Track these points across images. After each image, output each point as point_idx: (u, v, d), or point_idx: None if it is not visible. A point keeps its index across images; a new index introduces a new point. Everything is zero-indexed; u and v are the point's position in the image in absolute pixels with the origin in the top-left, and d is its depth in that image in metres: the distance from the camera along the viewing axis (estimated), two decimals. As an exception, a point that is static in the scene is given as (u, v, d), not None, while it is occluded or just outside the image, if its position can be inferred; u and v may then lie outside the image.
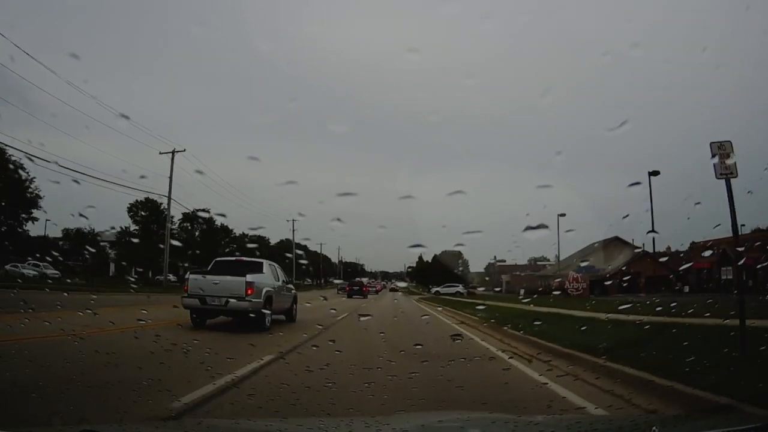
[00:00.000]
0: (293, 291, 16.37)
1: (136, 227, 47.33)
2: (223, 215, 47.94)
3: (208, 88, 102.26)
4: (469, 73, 41.64)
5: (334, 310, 17.75)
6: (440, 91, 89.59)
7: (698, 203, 5.62)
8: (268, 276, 14.23)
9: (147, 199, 45.64)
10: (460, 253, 62.88)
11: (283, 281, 15.33)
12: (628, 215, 5.93)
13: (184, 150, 39.93)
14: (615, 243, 45.11)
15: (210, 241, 48.94)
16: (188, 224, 51.98)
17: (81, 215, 8.94)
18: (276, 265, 15.34)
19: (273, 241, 70.44)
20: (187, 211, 48.73)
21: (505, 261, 67.33)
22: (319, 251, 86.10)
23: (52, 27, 70.18)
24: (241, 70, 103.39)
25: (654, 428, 2.46)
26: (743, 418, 3.00)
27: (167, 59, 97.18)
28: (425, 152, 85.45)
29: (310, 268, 77.59)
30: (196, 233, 52.18)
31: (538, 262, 73.47)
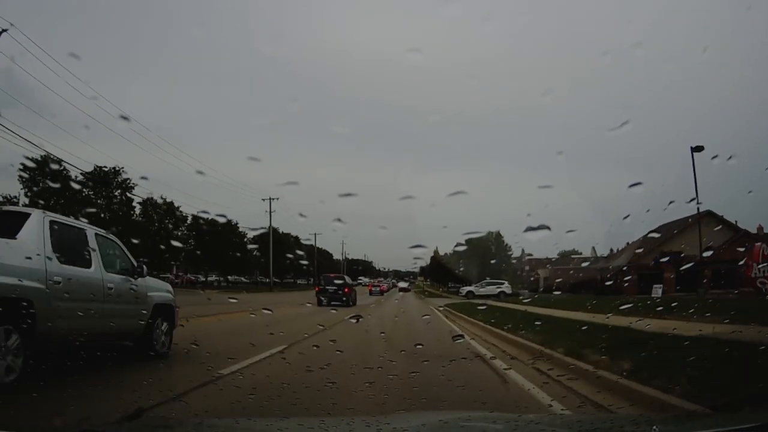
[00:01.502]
0: (159, 294, 8.46)
1: (27, 193, 33.24)
2: (223, 216, 46.88)
3: (207, 88, 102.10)
4: (470, 74, 41.89)
5: (335, 310, 17.72)
6: (441, 91, 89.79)
7: (700, 203, 5.63)
8: (30, 244, 5.97)
9: (45, 157, 31.49)
10: (497, 237, 50.99)
11: (120, 271, 7.60)
12: (629, 215, 5.92)
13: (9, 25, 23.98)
14: (707, 220, 31.45)
15: (126, 222, 35.12)
16: (89, 191, 37.35)
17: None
18: (96, 231, 7.40)
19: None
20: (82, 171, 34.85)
21: (532, 254, 55.99)
22: (320, 247, 75.61)
23: (51, 27, 70.24)
24: (241, 71, 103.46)
25: (655, 427, 2.45)
26: (744, 417, 3.00)
27: (168, 60, 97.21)
28: (426, 152, 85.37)
29: (311, 268, 72.32)
30: (99, 200, 37.41)
31: (572, 256, 62.61)
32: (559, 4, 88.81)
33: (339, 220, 5.80)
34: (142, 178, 71.93)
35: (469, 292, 42.77)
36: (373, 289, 53.42)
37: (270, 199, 55.26)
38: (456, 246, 38.28)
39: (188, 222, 49.80)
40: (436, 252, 57.46)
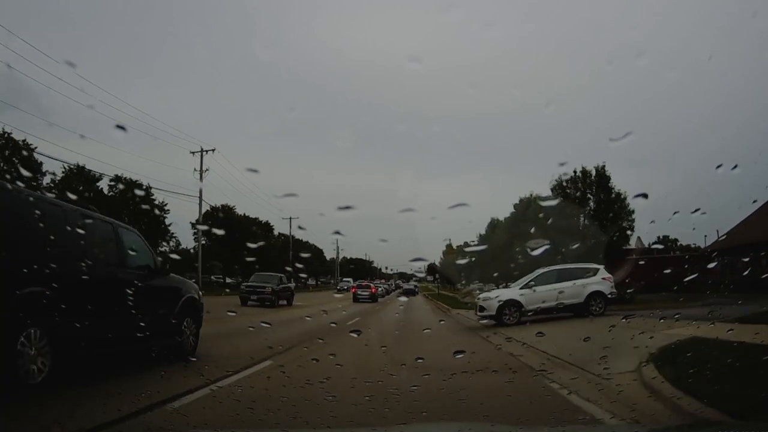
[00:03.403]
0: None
1: None
2: (222, 231, 43.84)
3: (206, 97, 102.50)
4: (471, 82, 42.06)
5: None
6: (442, 100, 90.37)
7: (704, 213, 5.61)
8: None
9: None
10: (600, 177, 28.50)
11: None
12: (630, 220, 5.87)
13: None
14: None
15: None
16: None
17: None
18: None
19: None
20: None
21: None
22: (314, 245, 58.95)
23: (48, 32, 70.70)
24: (240, 80, 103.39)
25: None
26: (747, 425, 2.97)
27: (165, 68, 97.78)
28: (427, 162, 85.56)
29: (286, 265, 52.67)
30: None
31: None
32: (561, 13, 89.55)
33: (338, 232, 5.74)
34: (142, 185, 68.77)
35: (507, 306, 16.31)
36: (359, 292, 36.40)
37: (201, 151, 38.59)
38: (458, 257, 25.31)
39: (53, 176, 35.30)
40: (449, 247, 41.99)
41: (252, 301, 24.68)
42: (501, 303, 16.37)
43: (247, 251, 34.33)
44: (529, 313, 16.08)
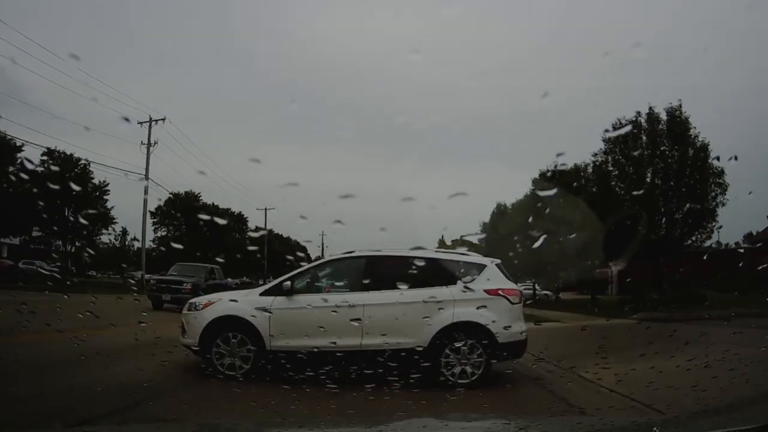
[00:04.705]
0: None
1: None
2: (222, 218, 40.81)
3: (207, 87, 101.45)
4: (471, 74, 41.73)
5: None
6: (443, 92, 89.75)
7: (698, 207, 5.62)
8: None
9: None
10: (675, 120, 20.66)
11: None
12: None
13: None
14: None
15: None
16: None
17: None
18: None
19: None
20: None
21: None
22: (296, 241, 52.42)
23: (48, 25, 69.99)
24: (240, 70, 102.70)
25: (655, 428, 2.46)
26: (745, 419, 3.00)
27: (166, 57, 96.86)
28: (427, 153, 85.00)
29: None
30: None
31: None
32: (562, 6, 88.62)
33: (339, 221, 5.75)
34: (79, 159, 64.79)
35: (221, 331, 6.86)
36: None
37: (150, 121, 34.15)
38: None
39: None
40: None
41: (167, 302, 17.44)
42: (210, 323, 7.06)
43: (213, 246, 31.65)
44: (278, 355, 6.90)
